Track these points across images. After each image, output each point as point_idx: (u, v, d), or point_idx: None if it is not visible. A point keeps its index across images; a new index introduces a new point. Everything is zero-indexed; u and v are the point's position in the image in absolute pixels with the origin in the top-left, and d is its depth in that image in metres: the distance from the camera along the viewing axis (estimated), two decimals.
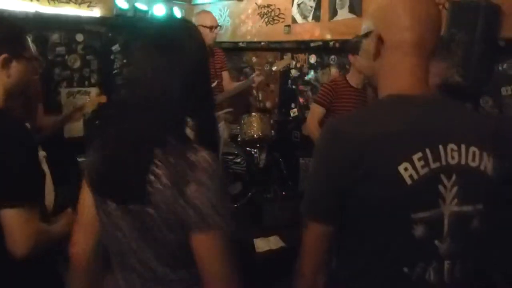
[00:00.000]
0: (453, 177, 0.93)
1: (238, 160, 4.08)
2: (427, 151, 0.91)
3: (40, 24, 3.91)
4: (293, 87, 4.50)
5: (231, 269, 0.97)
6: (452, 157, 0.93)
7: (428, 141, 0.92)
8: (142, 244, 1.00)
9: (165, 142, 0.94)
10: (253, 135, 3.79)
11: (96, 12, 4.34)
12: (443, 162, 0.92)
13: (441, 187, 0.92)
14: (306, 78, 4.35)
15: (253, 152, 4.16)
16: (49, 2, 4.00)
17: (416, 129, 0.93)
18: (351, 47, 2.97)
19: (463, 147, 0.94)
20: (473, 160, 0.94)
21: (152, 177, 0.92)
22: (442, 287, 0.96)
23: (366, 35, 1.03)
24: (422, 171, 0.90)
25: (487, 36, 2.68)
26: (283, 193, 3.78)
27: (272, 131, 4.00)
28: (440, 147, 0.92)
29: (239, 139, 4.01)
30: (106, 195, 1.02)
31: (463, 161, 0.93)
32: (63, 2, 4.09)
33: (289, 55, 4.44)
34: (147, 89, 0.96)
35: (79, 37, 4.28)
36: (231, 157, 4.06)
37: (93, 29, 4.36)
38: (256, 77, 3.58)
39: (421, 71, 0.98)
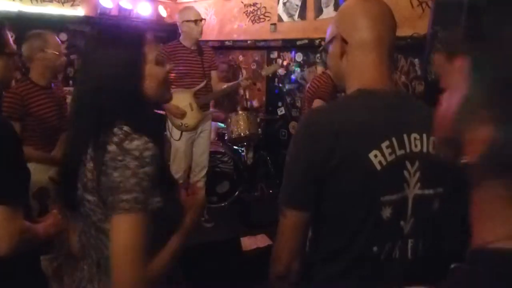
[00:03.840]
0: (416, 163, 1.01)
1: (225, 159, 4.07)
2: (393, 139, 0.99)
3: (23, 24, 3.85)
4: (280, 85, 4.51)
5: (134, 257, 0.95)
6: (415, 145, 1.02)
7: (394, 131, 1.00)
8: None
9: (99, 134, 1.02)
10: (240, 134, 3.78)
11: (80, 11, 4.30)
12: (408, 150, 1.01)
13: (406, 173, 1.01)
14: (292, 76, 4.36)
15: (240, 151, 4.15)
16: (31, 2, 3.96)
17: (383, 120, 1.00)
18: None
19: (424, 136, 1.03)
20: (434, 148, 1.03)
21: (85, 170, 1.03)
22: (406, 263, 1.05)
23: (331, 40, 1.14)
24: (390, 158, 0.98)
25: None
26: (270, 191, 3.79)
27: (259, 130, 4.00)
28: (405, 136, 1.01)
29: (226, 138, 4.00)
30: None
31: (425, 149, 1.02)
32: (46, 1, 4.06)
33: (275, 60, 4.45)
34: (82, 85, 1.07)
35: (63, 37, 4.23)
36: (218, 156, 4.05)
37: (77, 28, 4.32)
38: (244, 82, 3.58)
39: (383, 66, 1.07)
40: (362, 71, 1.08)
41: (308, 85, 3.31)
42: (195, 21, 3.45)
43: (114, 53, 1.05)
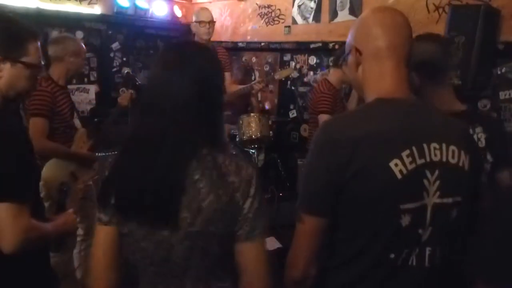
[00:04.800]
0: (436, 172, 1.02)
1: None
2: (414, 148, 1.00)
3: (40, 21, 3.91)
4: (293, 88, 4.50)
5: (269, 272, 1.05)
6: (435, 155, 1.02)
7: (414, 140, 1.01)
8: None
9: (199, 153, 1.00)
10: (252, 136, 3.77)
11: (96, 10, 4.35)
12: (427, 159, 1.01)
13: (425, 181, 1.01)
14: (305, 79, 4.35)
15: (251, 153, 4.15)
16: None
17: (403, 129, 1.02)
18: (342, 60, 3.07)
19: (444, 146, 1.03)
20: (453, 157, 1.04)
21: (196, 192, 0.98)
22: (423, 271, 1.05)
23: (348, 52, 1.15)
24: (410, 167, 0.99)
25: (486, 39, 2.68)
26: (281, 194, 3.77)
27: (271, 132, 3.99)
28: (425, 145, 1.02)
29: (237, 139, 4.00)
30: (151, 217, 1.01)
31: (444, 158, 1.03)
32: None
33: (288, 63, 4.44)
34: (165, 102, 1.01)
35: (79, 34, 4.28)
36: None
37: (93, 26, 4.37)
38: (256, 85, 3.59)
39: (399, 74, 1.07)
40: (378, 80, 1.08)
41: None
42: (200, 22, 3.47)
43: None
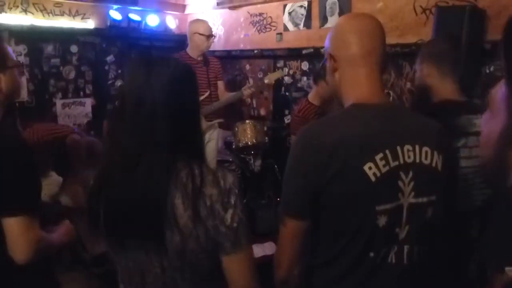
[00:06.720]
0: (410, 174, 1.06)
1: (233, 167, 4.10)
2: (387, 152, 1.03)
3: (35, 36, 3.96)
4: (287, 94, 4.54)
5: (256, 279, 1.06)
6: (409, 156, 1.06)
7: (388, 143, 1.05)
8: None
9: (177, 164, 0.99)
10: (247, 142, 3.80)
11: (90, 24, 4.39)
12: (401, 161, 1.05)
13: (400, 183, 1.05)
14: (298, 84, 4.39)
15: (247, 159, 4.18)
16: (43, 15, 4.06)
17: (377, 133, 1.05)
18: (315, 76, 3.21)
19: (417, 147, 1.07)
20: (426, 158, 1.07)
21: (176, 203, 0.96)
22: (402, 268, 1.09)
23: (326, 58, 1.19)
24: (384, 169, 1.02)
25: (473, 39, 2.72)
26: (278, 199, 3.79)
27: (266, 138, 4.02)
28: (398, 148, 1.05)
29: (233, 147, 4.03)
30: (130, 233, 1.01)
31: (417, 160, 1.07)
32: (57, 15, 4.14)
33: (281, 69, 4.49)
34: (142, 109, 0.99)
35: (74, 49, 4.33)
36: (225, 165, 4.08)
37: (87, 40, 4.41)
38: (246, 91, 3.62)
39: (373, 80, 1.11)
40: (354, 86, 1.12)
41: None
42: (208, 36, 3.52)
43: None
